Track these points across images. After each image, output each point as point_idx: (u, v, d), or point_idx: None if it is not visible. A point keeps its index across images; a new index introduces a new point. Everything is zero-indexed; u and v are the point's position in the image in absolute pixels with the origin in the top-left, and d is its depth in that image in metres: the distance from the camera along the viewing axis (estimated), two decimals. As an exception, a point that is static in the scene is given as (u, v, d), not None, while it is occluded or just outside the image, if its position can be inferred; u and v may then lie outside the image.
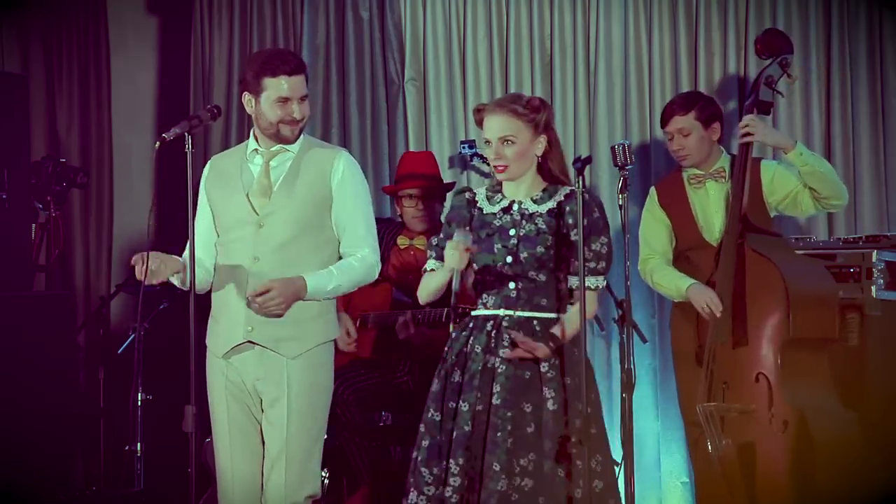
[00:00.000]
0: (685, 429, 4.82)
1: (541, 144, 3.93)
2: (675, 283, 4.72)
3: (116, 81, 6.41)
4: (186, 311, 3.84)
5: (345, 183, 4.03)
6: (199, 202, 4.15)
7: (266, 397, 3.99)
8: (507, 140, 3.89)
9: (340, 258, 4.05)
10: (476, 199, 4.02)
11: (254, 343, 3.99)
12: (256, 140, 4.09)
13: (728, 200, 4.69)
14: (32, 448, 5.31)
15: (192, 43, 6.21)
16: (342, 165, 4.04)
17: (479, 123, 3.97)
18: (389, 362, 5.08)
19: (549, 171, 3.97)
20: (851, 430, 4.51)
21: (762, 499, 4.43)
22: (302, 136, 4.09)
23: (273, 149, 4.05)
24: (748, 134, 4.65)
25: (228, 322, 4.03)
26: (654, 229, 4.87)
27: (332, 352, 4.09)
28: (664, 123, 4.85)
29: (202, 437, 5.15)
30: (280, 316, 3.93)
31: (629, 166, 5.17)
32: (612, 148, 5.11)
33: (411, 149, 6.00)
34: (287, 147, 4.05)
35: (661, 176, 5.67)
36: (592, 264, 3.88)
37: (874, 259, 4.89)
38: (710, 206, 4.77)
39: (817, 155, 4.85)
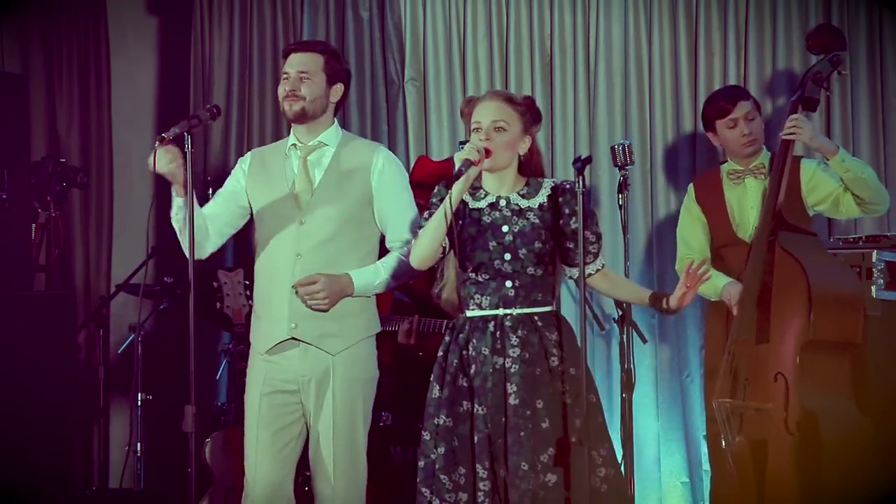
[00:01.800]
0: (707, 425, 4.82)
1: (525, 144, 3.95)
2: (712, 282, 4.70)
3: (116, 81, 6.40)
4: (186, 311, 3.84)
5: (385, 178, 4.06)
6: (229, 181, 4.19)
7: (311, 393, 4.01)
8: (500, 127, 3.89)
9: (384, 250, 4.11)
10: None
11: (297, 340, 4.00)
12: (295, 134, 4.13)
13: (765, 197, 4.67)
14: (32, 448, 5.31)
15: (192, 43, 6.21)
16: (381, 160, 4.08)
17: (467, 116, 3.96)
18: (389, 363, 5.07)
19: (528, 169, 3.99)
20: (864, 435, 4.49)
21: (772, 498, 4.42)
22: (342, 132, 4.13)
23: (311, 143, 4.08)
24: (794, 132, 4.60)
25: (271, 319, 4.05)
26: (691, 227, 4.85)
27: (373, 347, 4.14)
28: (725, 112, 4.74)
29: (202, 437, 5.16)
30: (325, 311, 3.97)
31: (629, 166, 5.18)
32: (612, 148, 5.12)
33: (411, 149, 6.00)
34: (324, 141, 4.08)
35: (662, 175, 5.68)
36: (595, 248, 3.93)
37: (874, 259, 4.88)
38: (747, 203, 4.75)
39: (859, 160, 4.78)
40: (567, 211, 3.90)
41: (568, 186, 3.92)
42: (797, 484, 4.36)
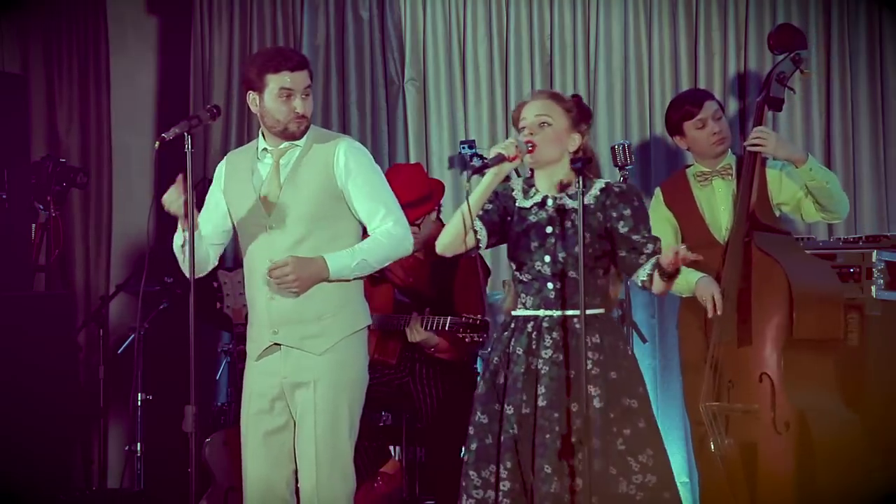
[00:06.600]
0: (691, 428, 4.81)
1: (574, 141, 3.87)
2: (684, 277, 4.68)
3: (116, 81, 6.41)
4: (186, 312, 3.84)
5: (350, 171, 3.99)
6: (210, 190, 4.16)
7: (294, 396, 3.99)
8: (543, 122, 3.84)
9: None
10: (513, 191, 3.95)
11: (280, 345, 4.00)
12: (264, 138, 4.07)
13: (735, 198, 4.66)
14: (32, 448, 5.31)
15: (192, 43, 6.21)
16: (342, 154, 4.00)
17: (516, 122, 3.91)
18: (390, 362, 5.08)
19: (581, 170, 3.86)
20: (853, 432, 4.49)
21: (763, 499, 4.42)
22: (311, 129, 4.07)
23: (282, 146, 4.03)
24: (758, 145, 4.58)
25: (257, 326, 4.05)
26: (661, 228, 4.83)
27: (360, 342, 4.05)
28: (692, 114, 4.71)
29: (202, 437, 5.16)
30: (297, 294, 3.92)
31: (629, 166, 5.18)
32: (612, 148, 5.12)
33: (411, 149, 6.00)
34: (296, 143, 4.03)
35: (662, 175, 5.68)
36: (651, 246, 3.83)
37: (874, 259, 4.88)
38: (718, 204, 4.74)
39: (825, 169, 4.76)
40: (614, 214, 3.83)
41: (616, 189, 3.85)
42: (791, 484, 4.36)
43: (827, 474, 4.37)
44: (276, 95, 3.97)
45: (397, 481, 5.19)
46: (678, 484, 5.62)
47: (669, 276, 3.76)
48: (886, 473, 4.70)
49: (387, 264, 4.09)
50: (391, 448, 5.32)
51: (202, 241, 4.08)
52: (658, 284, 3.81)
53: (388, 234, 3.98)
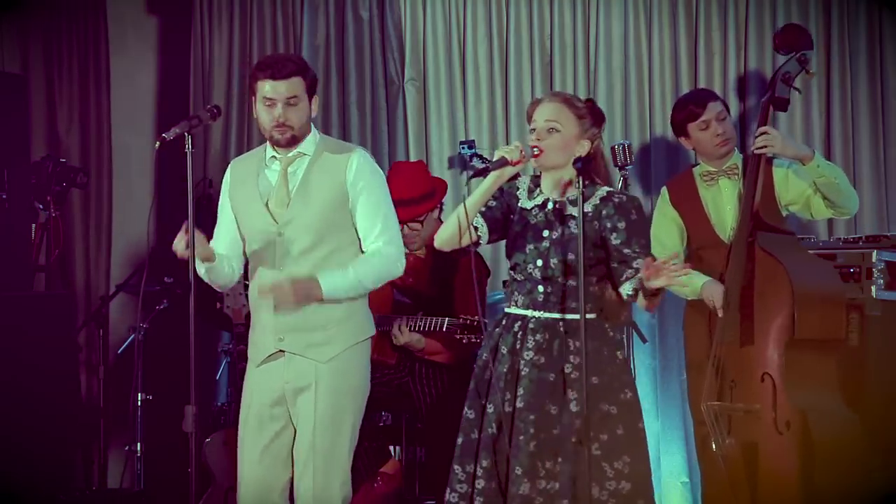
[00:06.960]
0: (694, 428, 4.81)
1: (583, 147, 3.87)
2: (690, 281, 4.67)
3: (116, 81, 6.40)
4: (186, 312, 3.84)
5: (358, 182, 3.99)
6: (220, 203, 4.16)
7: (295, 401, 3.98)
8: (552, 128, 3.83)
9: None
10: (518, 190, 3.96)
11: (284, 351, 4.00)
12: (272, 146, 4.07)
13: (741, 198, 4.66)
14: (32, 448, 5.31)
15: (192, 43, 6.21)
16: (355, 164, 4.00)
17: (529, 119, 3.91)
18: (389, 362, 5.08)
19: (588, 175, 3.86)
20: (854, 432, 4.49)
21: (764, 499, 4.42)
22: (319, 138, 4.07)
23: (290, 154, 4.03)
24: (765, 146, 4.58)
25: (261, 332, 4.04)
26: (667, 228, 4.84)
27: (364, 352, 4.06)
28: (696, 115, 4.71)
29: (202, 437, 5.16)
30: (293, 309, 3.92)
31: (629, 166, 5.17)
32: (612, 148, 5.11)
33: (411, 149, 5.99)
34: (304, 151, 4.02)
35: (662, 175, 5.68)
36: (640, 261, 3.77)
37: (874, 259, 4.88)
38: (724, 204, 4.74)
39: (833, 164, 4.77)
40: (609, 225, 3.82)
41: (616, 200, 3.84)
42: (791, 484, 4.36)
43: (827, 474, 4.37)
44: (261, 103, 3.98)
45: (397, 481, 5.19)
46: (679, 484, 5.69)
47: (652, 293, 3.72)
48: (886, 473, 4.70)
49: (380, 285, 4.09)
50: (391, 448, 5.33)
51: (223, 261, 4.08)
52: (641, 301, 3.79)
53: (377, 252, 3.99)
